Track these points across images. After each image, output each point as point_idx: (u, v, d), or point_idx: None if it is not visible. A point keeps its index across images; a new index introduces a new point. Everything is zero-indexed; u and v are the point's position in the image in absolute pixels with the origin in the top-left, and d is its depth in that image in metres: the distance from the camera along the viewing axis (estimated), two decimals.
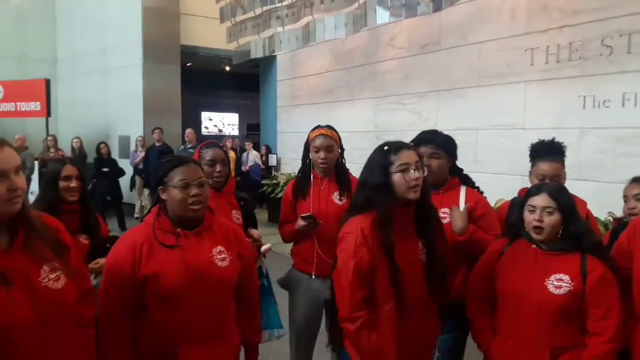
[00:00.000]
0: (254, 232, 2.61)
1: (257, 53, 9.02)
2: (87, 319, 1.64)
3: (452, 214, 2.30)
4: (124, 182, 9.10)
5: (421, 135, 2.48)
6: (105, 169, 8.53)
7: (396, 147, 1.91)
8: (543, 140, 2.48)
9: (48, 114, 9.37)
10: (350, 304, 1.81)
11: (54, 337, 1.43)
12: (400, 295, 1.82)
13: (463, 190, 2.42)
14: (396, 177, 1.85)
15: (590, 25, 5.03)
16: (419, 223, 1.94)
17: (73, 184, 2.41)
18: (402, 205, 1.89)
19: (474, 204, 2.36)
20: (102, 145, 8.72)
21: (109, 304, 1.75)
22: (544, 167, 2.35)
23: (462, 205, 2.34)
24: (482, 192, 2.56)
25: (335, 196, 2.63)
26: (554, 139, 2.48)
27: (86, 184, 2.53)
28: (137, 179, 9.30)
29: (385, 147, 1.92)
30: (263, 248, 2.60)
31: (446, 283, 2.03)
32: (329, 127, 2.70)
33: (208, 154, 2.54)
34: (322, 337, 2.72)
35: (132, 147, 9.59)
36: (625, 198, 2.45)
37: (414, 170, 1.84)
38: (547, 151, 2.41)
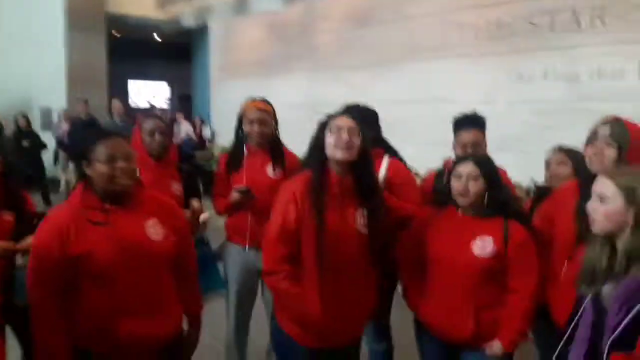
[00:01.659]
0: (194, 203, 2.63)
1: (189, 22, 8.71)
2: None
3: None
4: (47, 156, 8.61)
5: (340, 109, 2.52)
6: (25, 143, 8.00)
7: (336, 114, 2.01)
8: (464, 113, 2.57)
9: None
10: (274, 258, 1.89)
11: None
12: (321, 257, 1.85)
13: (385, 160, 2.48)
14: (327, 138, 1.92)
15: (518, 3, 5.22)
16: (359, 192, 1.98)
17: None
18: (340, 172, 1.94)
19: (393, 173, 2.42)
20: (19, 118, 8.09)
21: (39, 287, 1.68)
22: (465, 135, 2.45)
23: (382, 174, 2.41)
24: (405, 162, 2.62)
25: (269, 169, 2.63)
26: (474, 111, 2.58)
27: (7, 157, 2.37)
28: (61, 153, 8.82)
29: (327, 114, 2.01)
30: (201, 217, 2.60)
31: (387, 252, 2.09)
32: (264, 99, 2.68)
33: (148, 124, 2.55)
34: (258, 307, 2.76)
35: (55, 119, 9.07)
36: (547, 164, 2.60)
37: (345, 133, 1.89)
38: (468, 122, 2.51)
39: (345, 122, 1.93)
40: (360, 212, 1.97)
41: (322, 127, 1.97)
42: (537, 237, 2.02)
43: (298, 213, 1.88)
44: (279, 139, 2.72)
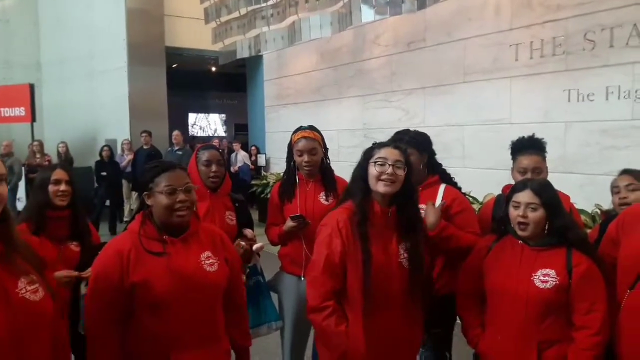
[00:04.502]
0: (248, 232, 2.64)
1: (243, 53, 8.99)
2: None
3: (426, 209, 2.28)
4: None
5: (392, 136, 2.49)
6: (103, 173, 8.47)
7: (381, 144, 1.97)
8: (523, 137, 2.50)
9: (33, 119, 9.28)
10: (319, 294, 1.84)
11: (29, 349, 1.38)
12: (368, 288, 1.80)
13: (442, 188, 2.44)
14: (370, 169, 1.89)
15: (572, 20, 5.07)
16: (401, 226, 1.94)
17: (63, 187, 2.37)
18: (383, 204, 1.91)
19: (451, 201, 2.38)
20: (105, 149, 8.65)
21: (97, 313, 1.73)
22: (525, 161, 2.37)
23: (438, 202, 2.36)
24: (460, 188, 2.57)
25: (322, 196, 2.64)
26: (533, 134, 2.51)
27: (76, 190, 2.47)
28: (124, 182, 9.23)
29: (373, 143, 1.99)
30: (255, 247, 2.60)
31: (428, 288, 2.03)
32: (312, 128, 2.69)
33: (204, 154, 2.57)
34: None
35: (119, 151, 9.52)
36: (616, 189, 2.46)
37: (390, 166, 1.86)
38: (527, 146, 2.44)
39: (391, 153, 1.89)
40: (403, 245, 1.93)
41: (367, 157, 1.94)
42: (603, 268, 1.91)
43: (343, 246, 1.85)
44: (329, 165, 2.72)
